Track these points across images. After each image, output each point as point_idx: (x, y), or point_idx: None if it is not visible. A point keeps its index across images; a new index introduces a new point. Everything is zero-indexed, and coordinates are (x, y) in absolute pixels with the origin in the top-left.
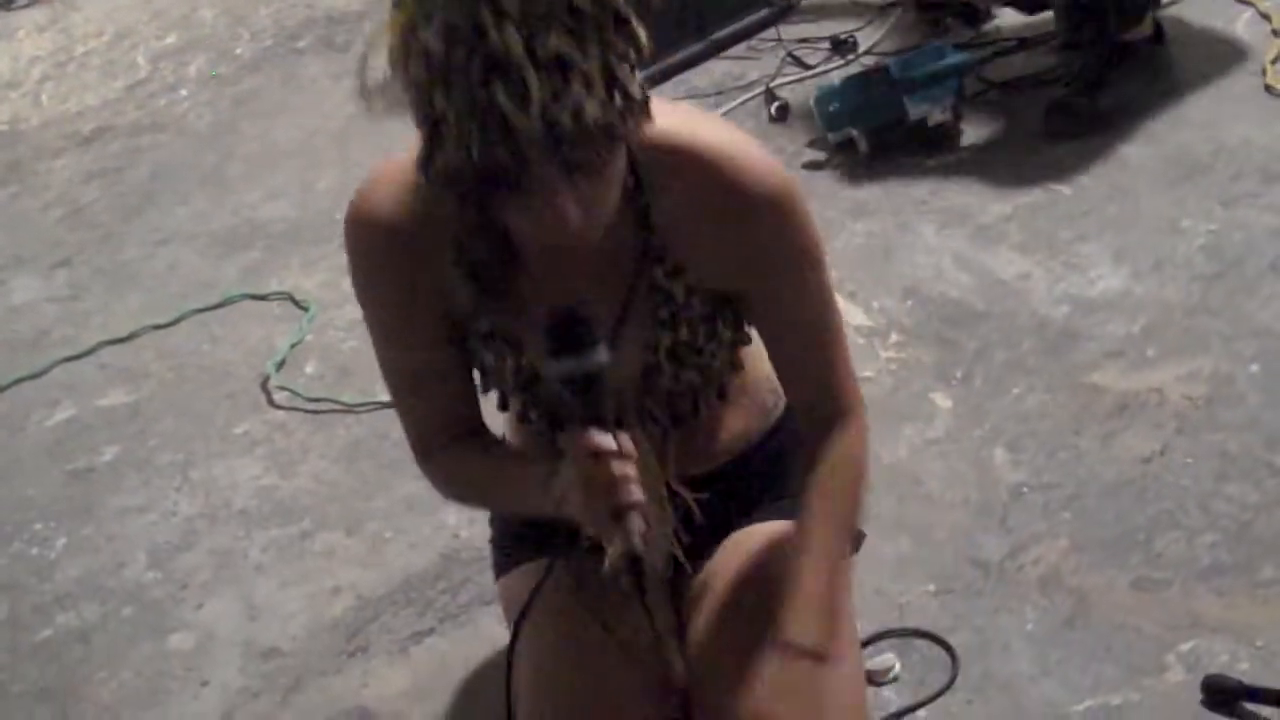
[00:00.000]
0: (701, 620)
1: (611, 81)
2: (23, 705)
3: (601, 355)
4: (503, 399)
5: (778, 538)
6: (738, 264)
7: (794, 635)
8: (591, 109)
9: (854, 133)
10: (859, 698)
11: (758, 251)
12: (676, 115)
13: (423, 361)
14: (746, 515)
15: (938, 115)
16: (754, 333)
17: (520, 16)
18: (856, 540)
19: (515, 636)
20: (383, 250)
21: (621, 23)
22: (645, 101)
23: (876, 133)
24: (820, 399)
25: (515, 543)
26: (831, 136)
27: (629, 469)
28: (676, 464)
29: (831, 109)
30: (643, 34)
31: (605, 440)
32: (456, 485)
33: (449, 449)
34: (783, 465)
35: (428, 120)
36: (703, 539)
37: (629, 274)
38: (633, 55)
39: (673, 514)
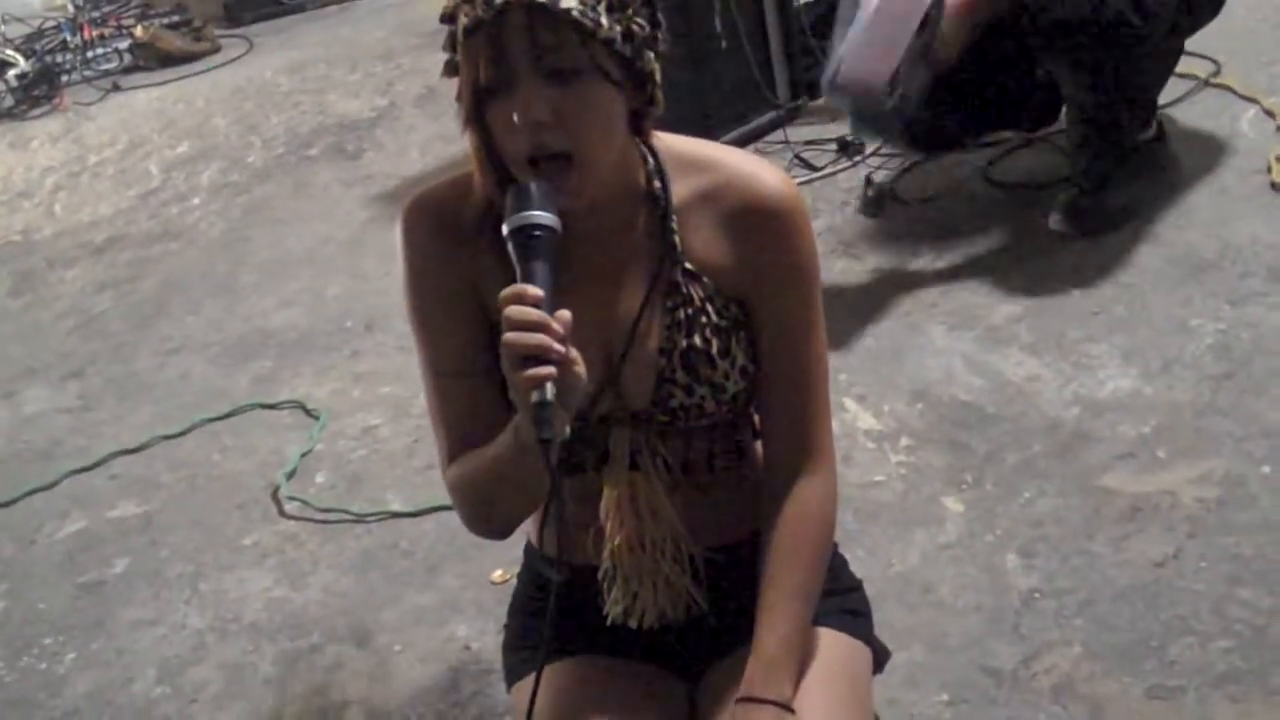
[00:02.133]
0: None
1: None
2: None
3: (548, 217)
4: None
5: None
6: (747, 268)
7: (760, 691)
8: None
9: None
10: None
11: (766, 257)
12: (698, 140)
13: (466, 358)
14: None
15: None
16: None
17: None
18: (880, 659)
19: None
20: (436, 237)
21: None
22: (646, 37)
23: None
24: (794, 441)
25: (526, 643)
26: None
27: (549, 323)
28: (689, 527)
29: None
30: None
31: (531, 289)
32: (460, 488)
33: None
34: None
35: (452, 39)
36: (722, 620)
37: (649, 274)
38: (643, 14)
39: (687, 568)
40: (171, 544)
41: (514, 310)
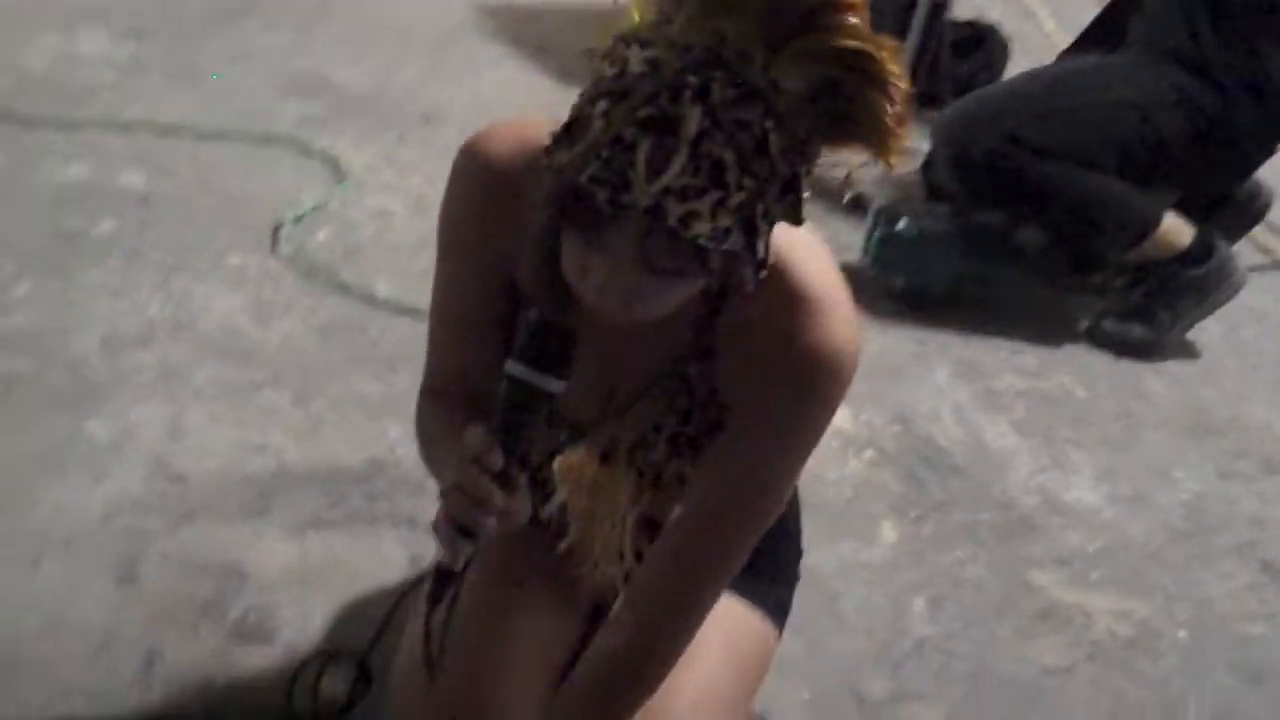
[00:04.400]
0: None
1: (743, 223)
2: None
3: (557, 386)
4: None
5: None
6: (751, 387)
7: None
8: (701, 226)
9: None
10: None
11: (778, 393)
12: (791, 235)
13: (471, 310)
14: None
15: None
16: None
17: (716, 106)
18: (782, 617)
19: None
20: (484, 187)
21: (790, 189)
22: (758, 263)
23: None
24: (675, 585)
25: None
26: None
27: (498, 497)
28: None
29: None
30: (800, 212)
31: (495, 457)
32: (423, 430)
33: (447, 399)
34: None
35: (578, 112)
36: None
37: (668, 355)
38: (777, 217)
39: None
40: (161, 230)
41: (470, 477)
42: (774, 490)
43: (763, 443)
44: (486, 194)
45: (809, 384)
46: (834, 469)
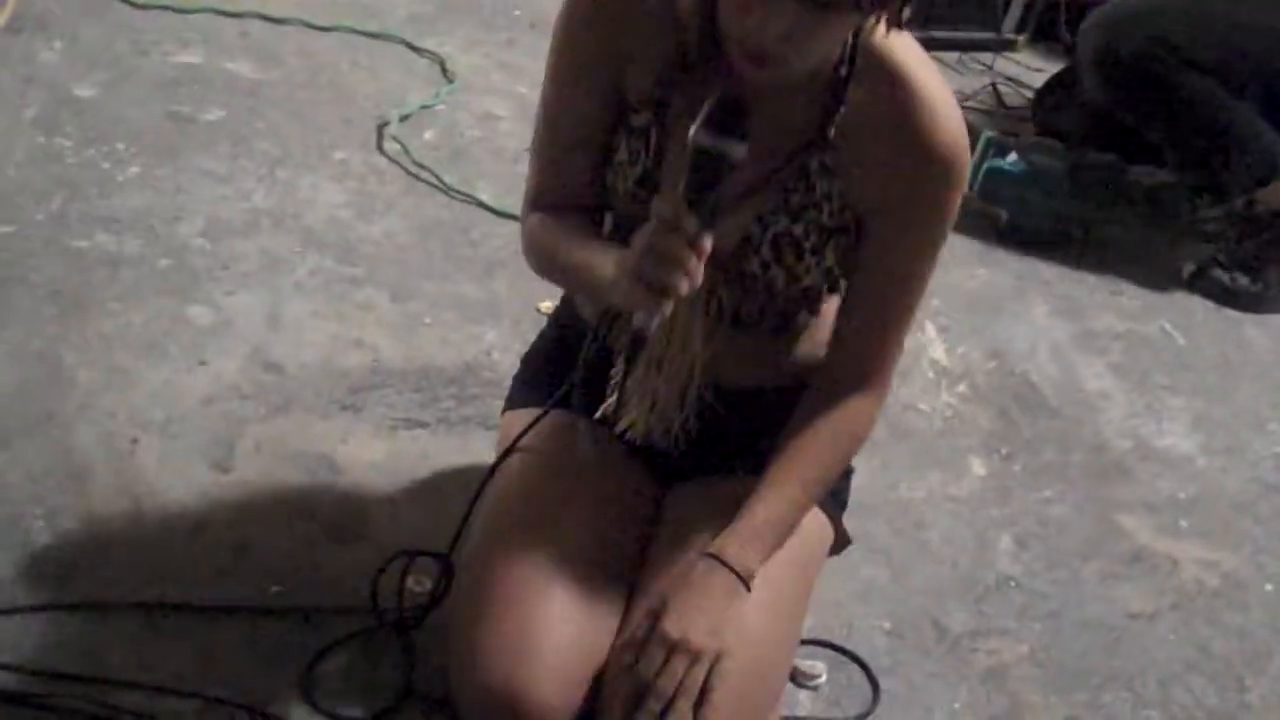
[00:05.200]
0: (658, 547)
1: None
2: (33, 296)
3: (741, 151)
4: (600, 213)
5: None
6: (883, 194)
7: (730, 557)
8: None
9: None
10: (779, 666)
11: (908, 194)
12: (906, 40)
13: (578, 127)
14: (731, 458)
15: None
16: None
17: None
18: (840, 543)
19: (495, 466)
20: (600, 7)
21: None
22: (900, 8)
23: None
24: (861, 357)
25: (533, 386)
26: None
27: (693, 260)
28: (710, 366)
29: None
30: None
31: (689, 221)
32: (539, 245)
33: (554, 211)
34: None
35: None
36: (697, 453)
37: (788, 150)
38: None
39: (690, 408)
40: (269, 121)
41: (666, 241)
42: (925, 278)
43: (912, 237)
44: (601, 10)
45: (942, 177)
46: (926, 400)
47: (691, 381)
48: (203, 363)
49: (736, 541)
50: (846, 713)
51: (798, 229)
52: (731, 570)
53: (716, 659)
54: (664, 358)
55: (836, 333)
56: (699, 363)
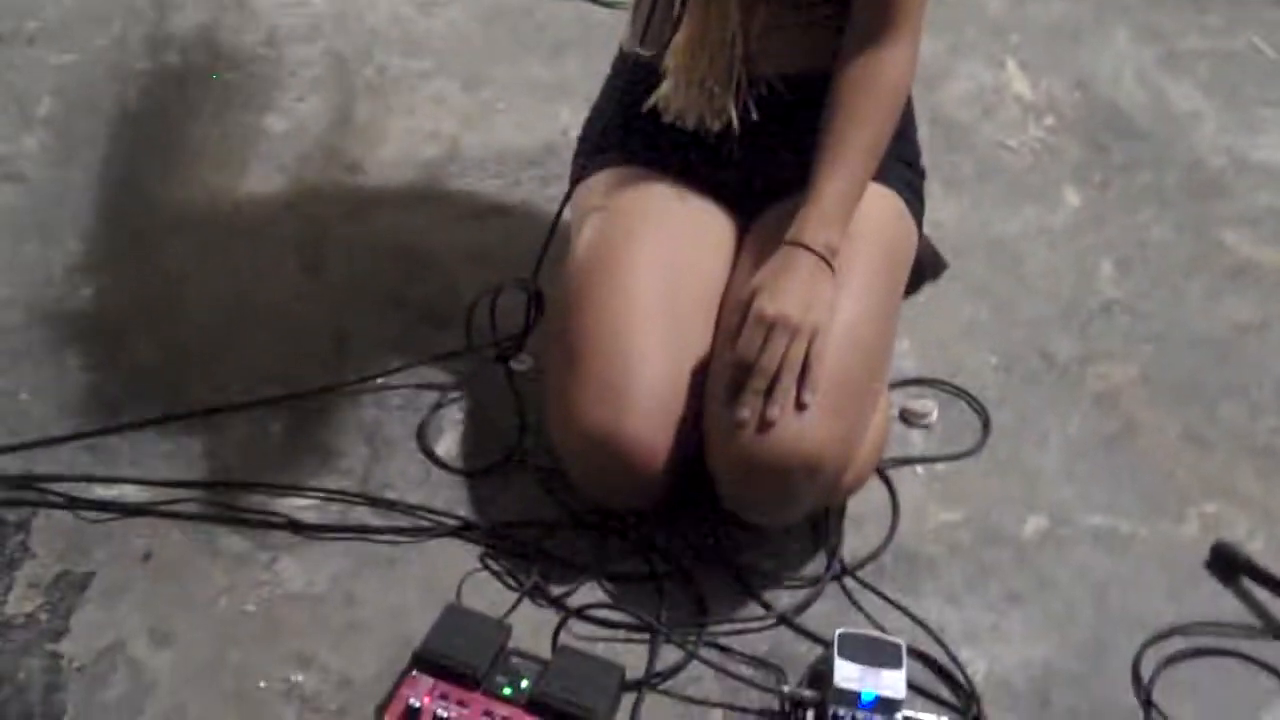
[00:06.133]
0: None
1: None
2: (106, 122)
3: None
4: None
5: None
6: None
7: (807, 238)
8: None
9: None
10: (877, 345)
11: None
12: None
13: None
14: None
15: None
16: None
17: None
18: (937, 268)
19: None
20: None
21: None
22: None
23: None
24: (882, 6)
25: (591, 153)
26: None
27: None
28: (759, 48)
29: None
30: None
31: None
32: None
33: None
34: None
35: None
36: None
37: None
38: None
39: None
40: None
41: None
42: None
43: None
44: None
45: None
46: (1014, 135)
47: (735, 58)
48: (282, 169)
49: (810, 224)
50: (959, 448)
51: None
52: (812, 251)
53: (813, 335)
54: (705, 35)
55: None
56: (739, 37)
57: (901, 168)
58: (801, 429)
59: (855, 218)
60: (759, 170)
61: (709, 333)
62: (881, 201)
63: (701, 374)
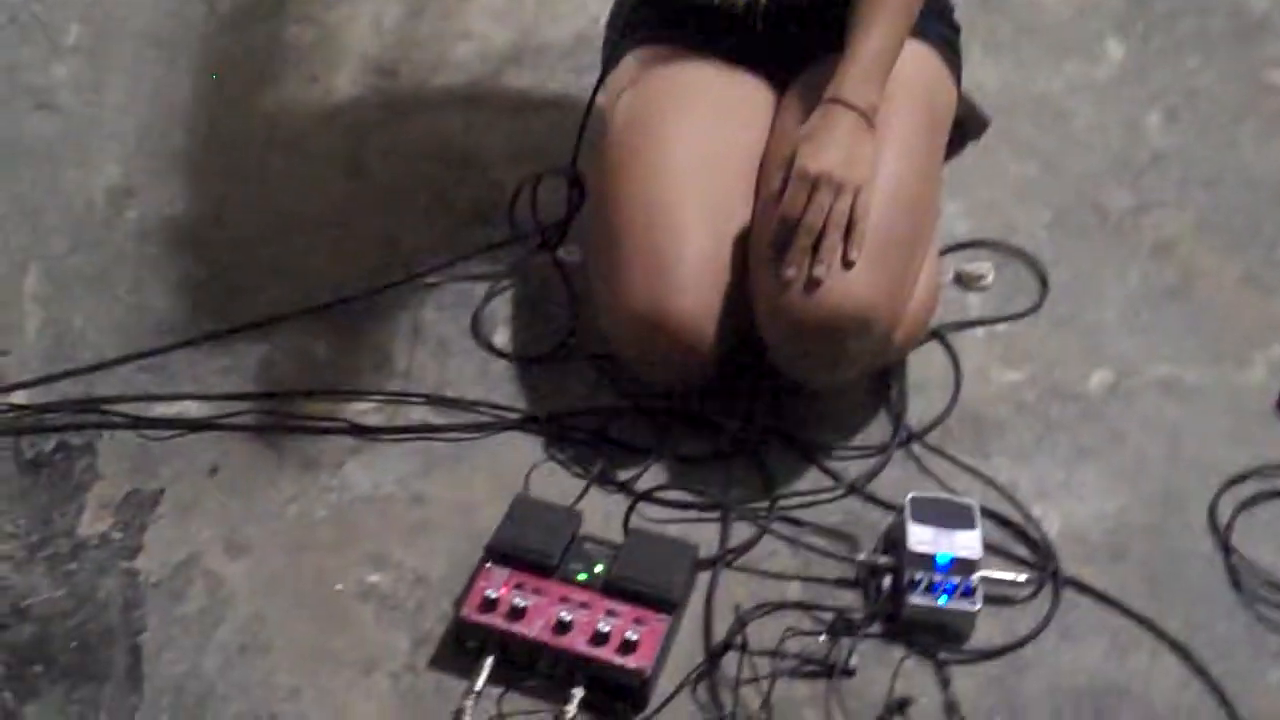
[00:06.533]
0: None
1: None
2: (135, 44)
3: None
4: None
5: None
6: None
7: (846, 95)
8: None
9: None
10: (921, 203)
11: None
12: None
13: None
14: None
15: None
16: None
17: None
18: (979, 125)
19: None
20: None
21: None
22: None
23: None
24: None
25: (627, 29)
26: None
27: None
28: None
29: None
30: None
31: None
32: None
33: None
34: None
35: None
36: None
37: None
38: None
39: None
40: None
41: None
42: None
43: None
44: None
45: None
46: None
47: None
48: (314, 79)
49: (849, 82)
50: (1018, 308)
51: None
52: (852, 108)
53: (857, 191)
54: None
55: None
56: None
57: (938, 23)
58: (848, 285)
59: (893, 75)
60: (787, 39)
61: (749, 203)
62: (920, 58)
63: (744, 245)
